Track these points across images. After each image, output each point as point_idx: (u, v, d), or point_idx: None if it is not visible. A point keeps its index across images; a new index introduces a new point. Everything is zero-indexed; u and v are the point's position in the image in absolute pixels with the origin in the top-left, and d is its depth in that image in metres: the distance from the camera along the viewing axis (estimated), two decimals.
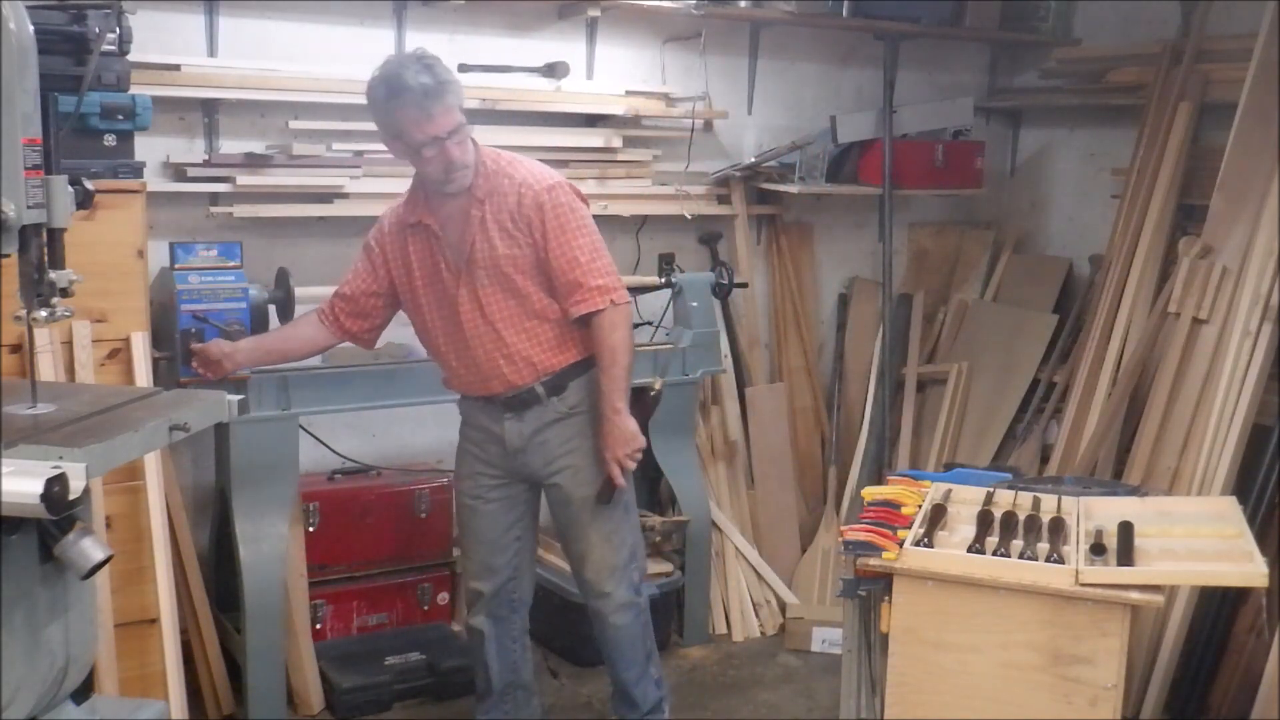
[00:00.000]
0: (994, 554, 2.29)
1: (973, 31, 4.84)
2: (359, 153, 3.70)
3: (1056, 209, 4.99)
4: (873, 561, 2.32)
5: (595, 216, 4.18)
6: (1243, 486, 3.38)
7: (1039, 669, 2.23)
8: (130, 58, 2.95)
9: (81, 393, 2.20)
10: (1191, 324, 3.60)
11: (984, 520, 2.44)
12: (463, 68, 3.87)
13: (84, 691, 2.02)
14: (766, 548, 4.30)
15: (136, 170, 3.00)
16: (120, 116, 2.93)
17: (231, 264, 3.12)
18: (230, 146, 3.57)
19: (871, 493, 2.63)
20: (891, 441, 4.55)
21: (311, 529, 3.58)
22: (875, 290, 4.77)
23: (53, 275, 1.93)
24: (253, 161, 3.53)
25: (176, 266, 3.07)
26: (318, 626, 3.62)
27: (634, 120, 4.17)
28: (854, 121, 4.52)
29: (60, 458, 1.71)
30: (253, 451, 3.20)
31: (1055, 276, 4.74)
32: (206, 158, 3.52)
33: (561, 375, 2.86)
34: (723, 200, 4.47)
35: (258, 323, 3.12)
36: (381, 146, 3.69)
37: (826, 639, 3.93)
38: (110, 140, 2.95)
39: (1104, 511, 2.49)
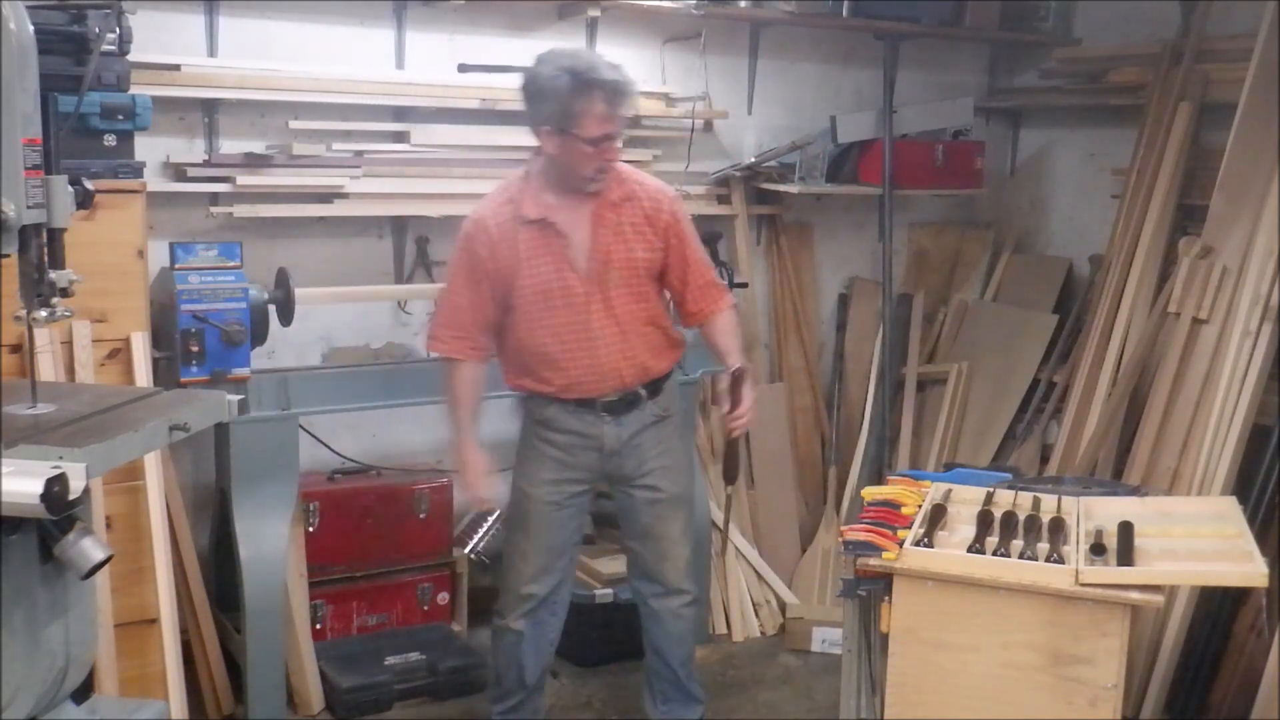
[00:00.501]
0: (994, 554, 2.29)
1: (973, 31, 4.83)
2: (359, 153, 3.70)
3: (1056, 209, 4.99)
4: (873, 561, 2.32)
5: None
6: (1243, 486, 3.38)
7: (1039, 669, 2.23)
8: (130, 58, 2.97)
9: (81, 393, 2.20)
10: (1191, 324, 3.60)
11: (984, 520, 2.44)
12: (463, 68, 3.87)
13: (84, 691, 2.02)
14: (766, 548, 4.30)
15: (136, 170, 3.00)
16: (120, 116, 2.93)
17: (231, 264, 3.12)
18: (230, 146, 3.57)
19: (871, 493, 2.63)
20: (891, 441, 4.55)
21: (311, 529, 3.58)
22: (875, 290, 4.77)
23: (53, 275, 1.93)
24: (253, 161, 3.53)
25: (176, 266, 3.06)
26: (318, 626, 3.62)
27: (634, 120, 4.17)
28: (854, 121, 4.51)
29: (60, 458, 1.71)
30: (253, 451, 3.19)
31: (1055, 276, 4.74)
32: (206, 158, 3.52)
33: (660, 380, 2.96)
34: (723, 200, 4.46)
35: (258, 323, 3.11)
36: (381, 146, 3.75)
37: (826, 639, 3.93)
38: (110, 140, 2.94)
39: (1104, 511, 2.49)
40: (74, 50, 2.71)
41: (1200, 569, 2.33)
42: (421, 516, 3.78)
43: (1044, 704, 2.24)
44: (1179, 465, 3.50)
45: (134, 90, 2.97)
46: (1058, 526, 2.41)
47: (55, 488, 1.64)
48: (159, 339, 3.07)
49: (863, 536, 2.35)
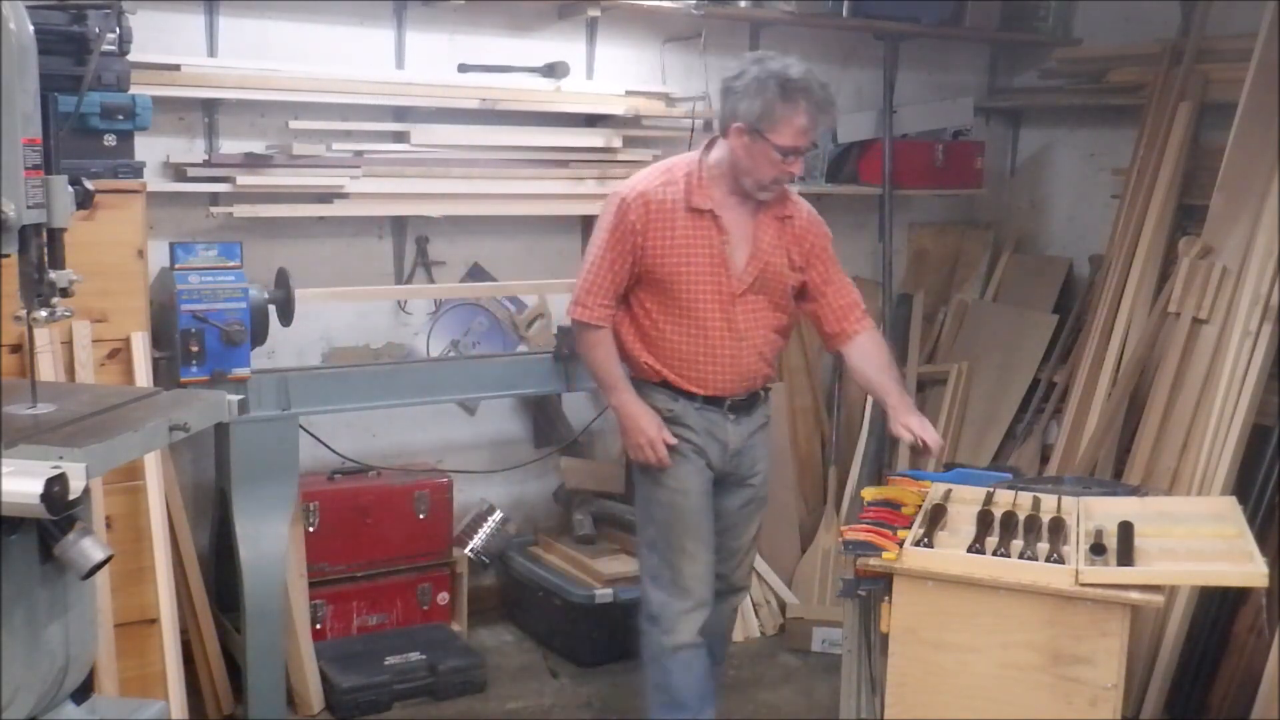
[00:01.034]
0: (994, 554, 2.29)
1: (973, 31, 4.84)
2: (359, 153, 3.70)
3: (1056, 209, 4.99)
4: (873, 561, 2.32)
5: (595, 217, 4.21)
6: (1243, 486, 3.38)
7: (1039, 669, 2.23)
8: (130, 58, 2.97)
9: (81, 393, 2.19)
10: (1191, 324, 3.60)
11: (984, 520, 2.44)
12: (463, 68, 3.88)
13: (84, 691, 2.02)
14: (766, 548, 4.29)
15: (136, 170, 3.00)
16: (120, 116, 2.93)
17: (231, 264, 3.11)
18: (230, 146, 3.57)
19: (871, 493, 2.63)
20: (892, 442, 4.54)
21: (311, 529, 3.58)
22: (875, 290, 4.77)
23: (53, 275, 1.93)
24: (253, 161, 3.53)
25: (176, 266, 3.06)
26: (318, 626, 3.63)
27: (634, 120, 4.17)
28: (854, 121, 4.51)
29: (60, 458, 1.71)
30: (253, 451, 3.19)
31: (1055, 276, 4.73)
32: (206, 158, 3.52)
33: (768, 387, 3.02)
34: None
35: (258, 323, 3.11)
36: (381, 146, 3.75)
37: (826, 639, 3.93)
38: (110, 140, 2.94)
39: (1104, 511, 2.49)
40: (74, 50, 2.71)
41: (1200, 569, 2.33)
42: (421, 516, 3.78)
43: (1044, 704, 2.24)
44: (1179, 465, 3.50)
45: (134, 90, 2.97)
46: (1058, 526, 2.41)
47: (55, 488, 1.63)
48: (159, 339, 3.07)
49: (863, 536, 2.35)
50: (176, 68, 3.38)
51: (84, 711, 2.02)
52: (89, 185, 1.99)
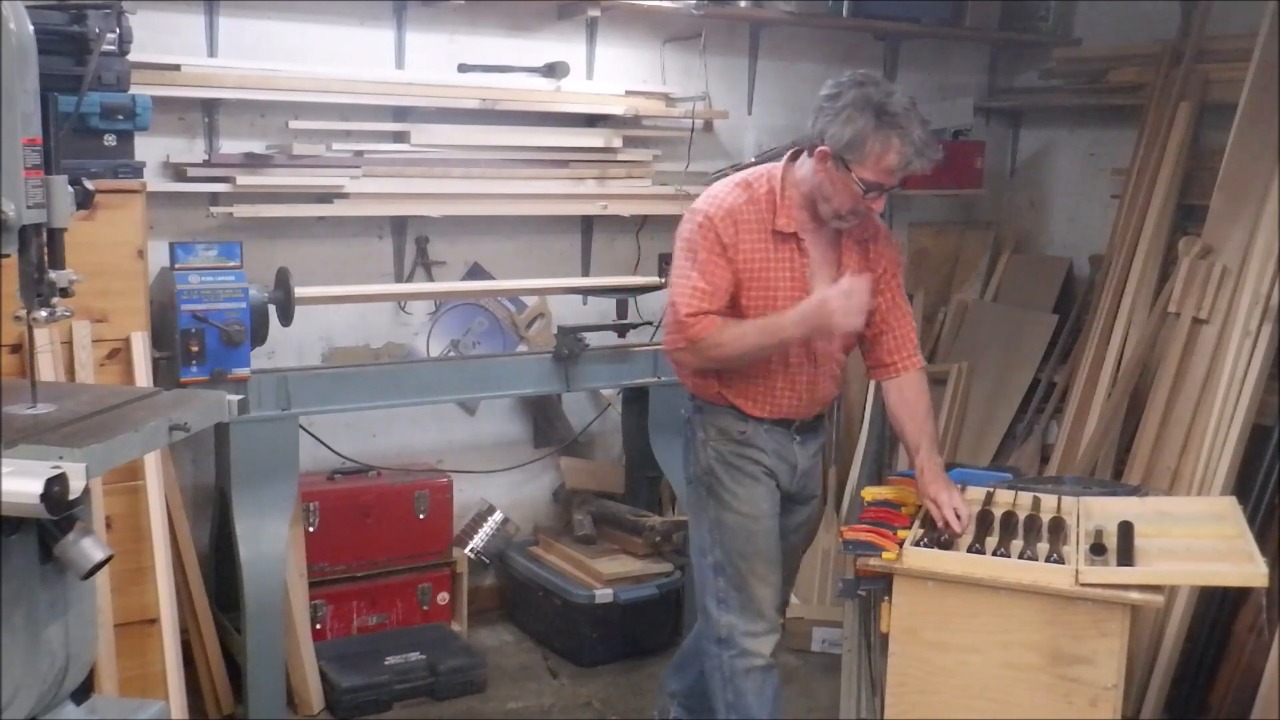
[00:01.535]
0: (994, 554, 2.29)
1: (973, 31, 4.84)
2: (359, 153, 3.71)
3: (1056, 209, 4.99)
4: (873, 561, 2.32)
5: (595, 217, 4.24)
6: (1243, 486, 3.38)
7: (1039, 669, 2.23)
8: (130, 58, 2.97)
9: (81, 393, 2.19)
10: (1191, 324, 3.60)
11: (984, 520, 2.44)
12: (463, 68, 3.87)
13: (84, 691, 2.02)
14: None
15: (136, 170, 3.00)
16: (120, 116, 2.93)
17: (231, 264, 3.12)
18: (230, 146, 3.57)
19: (871, 493, 2.63)
20: (891, 441, 4.54)
21: (311, 529, 3.58)
22: None
23: (53, 275, 1.93)
24: (253, 161, 3.53)
25: (176, 266, 3.06)
26: (318, 626, 3.63)
27: (634, 120, 4.17)
28: None
29: (60, 458, 1.71)
30: (253, 451, 3.19)
31: (1055, 276, 4.73)
32: (206, 158, 3.52)
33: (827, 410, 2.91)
34: None
35: (258, 323, 3.12)
36: (381, 146, 3.75)
37: (826, 639, 3.93)
38: (110, 140, 2.94)
39: (1104, 511, 2.49)
40: (74, 50, 2.71)
41: (1200, 569, 2.33)
42: (421, 516, 3.79)
43: (1044, 704, 2.24)
44: (1179, 465, 3.50)
45: (134, 90, 2.97)
46: (1058, 526, 2.41)
47: (55, 488, 1.63)
48: (159, 339, 3.07)
49: (863, 536, 2.35)
50: (176, 68, 3.38)
51: (84, 711, 2.02)
52: (89, 185, 1.98)
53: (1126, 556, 2.23)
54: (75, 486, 1.67)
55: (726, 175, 2.81)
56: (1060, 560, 2.25)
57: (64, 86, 2.39)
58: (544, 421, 4.28)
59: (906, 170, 2.50)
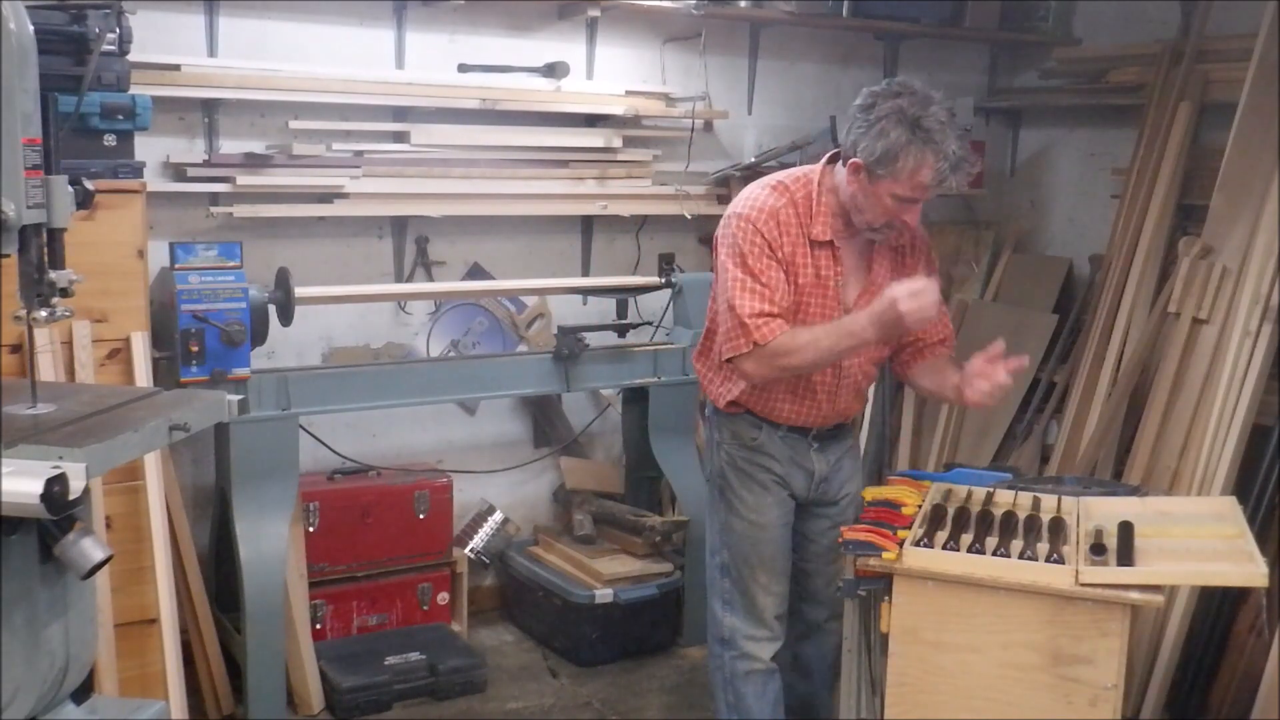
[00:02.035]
0: (994, 554, 2.29)
1: (973, 31, 4.84)
2: (359, 153, 3.71)
3: (1056, 209, 4.99)
4: (873, 561, 2.32)
5: (595, 217, 4.24)
6: (1243, 486, 3.38)
7: (1039, 669, 2.23)
8: (130, 58, 2.97)
9: (81, 393, 2.19)
10: (1191, 324, 3.60)
11: (984, 520, 2.44)
12: (463, 68, 3.87)
13: (84, 691, 2.02)
14: None
15: (136, 170, 3.00)
16: (120, 116, 2.93)
17: (231, 264, 3.12)
18: (230, 146, 3.57)
19: (871, 493, 2.63)
20: (891, 441, 4.55)
21: (311, 529, 3.58)
22: None
23: (53, 275, 1.93)
24: (253, 161, 3.53)
25: (176, 266, 3.07)
26: (318, 626, 3.63)
27: (634, 120, 4.17)
28: None
29: (60, 458, 1.71)
30: (253, 451, 3.20)
31: (1055, 276, 4.73)
32: (206, 158, 3.52)
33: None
34: (723, 200, 4.45)
35: (258, 323, 3.12)
36: (381, 146, 3.75)
37: None
38: (110, 140, 2.94)
39: (1104, 511, 2.49)
40: (74, 50, 2.71)
41: (1200, 569, 2.33)
42: (421, 516, 3.79)
43: (1044, 704, 2.24)
44: (1179, 465, 3.50)
45: (134, 90, 2.97)
46: (1058, 526, 2.41)
47: (55, 488, 1.63)
48: (159, 339, 3.07)
49: (863, 536, 2.35)
50: (176, 68, 3.38)
51: (84, 711, 2.02)
52: (89, 185, 1.99)
53: (1126, 556, 2.23)
54: (75, 486, 1.67)
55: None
56: (1060, 560, 2.24)
57: (64, 86, 2.39)
58: (544, 421, 4.28)
59: (941, 187, 2.45)
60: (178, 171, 3.49)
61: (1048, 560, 2.25)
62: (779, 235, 2.53)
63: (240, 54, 3.54)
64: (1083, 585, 2.18)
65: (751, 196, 2.60)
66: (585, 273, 4.28)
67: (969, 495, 2.61)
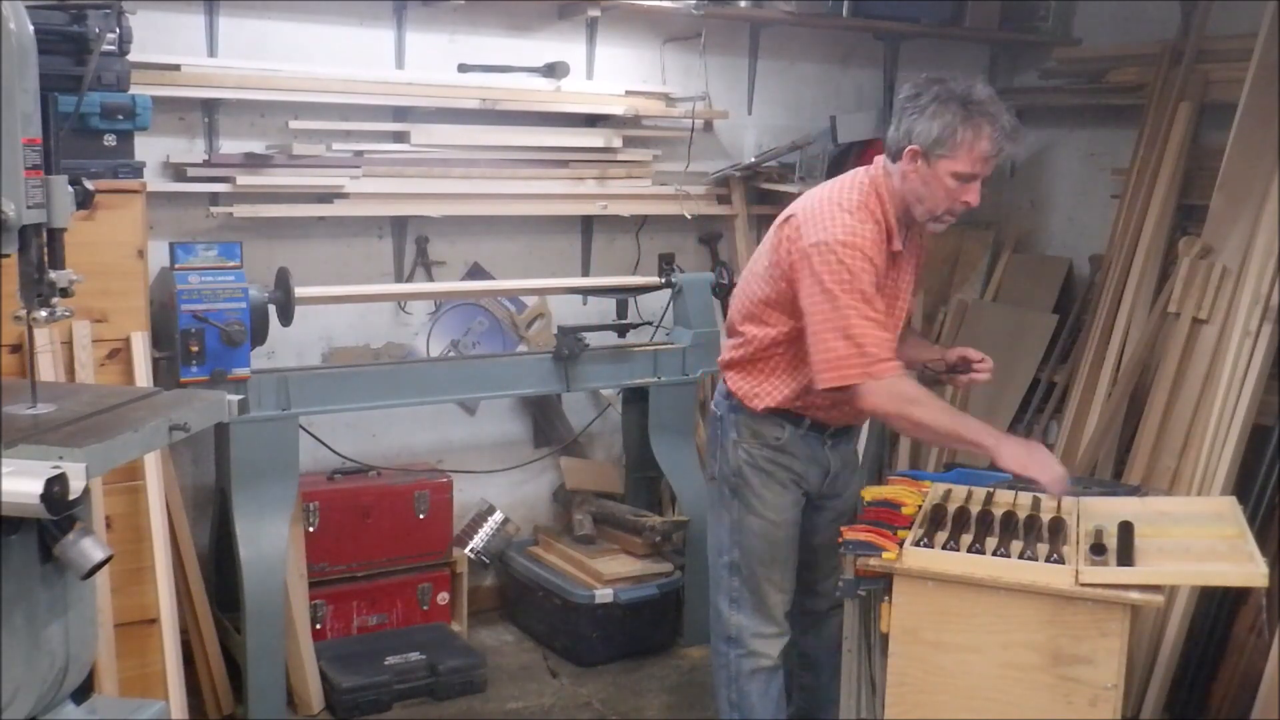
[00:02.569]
0: (994, 554, 2.29)
1: (973, 31, 4.84)
2: (359, 153, 3.71)
3: (1056, 209, 4.99)
4: (873, 561, 2.32)
5: (595, 217, 4.24)
6: (1243, 486, 3.38)
7: (1039, 669, 2.23)
8: (130, 58, 2.97)
9: (81, 393, 2.19)
10: (1191, 324, 3.60)
11: (984, 520, 2.44)
12: (463, 68, 3.88)
13: (84, 691, 2.02)
14: None
15: (136, 170, 3.00)
16: (120, 116, 2.93)
17: (231, 264, 3.12)
18: (230, 146, 3.57)
19: (871, 493, 2.63)
20: (891, 441, 4.55)
21: (311, 529, 3.58)
22: None
23: (53, 275, 1.93)
24: (253, 161, 3.53)
25: (176, 266, 3.07)
26: (318, 626, 3.62)
27: (634, 120, 4.17)
28: (854, 121, 4.51)
29: (60, 458, 1.71)
30: (253, 451, 3.20)
31: (1055, 276, 4.73)
32: (206, 158, 3.52)
33: None
34: (722, 200, 4.47)
35: (258, 323, 3.12)
36: (381, 146, 3.75)
37: None
38: (110, 140, 2.95)
39: (1104, 511, 2.49)
40: (74, 50, 2.71)
41: (1200, 569, 2.33)
42: (421, 516, 3.78)
43: (1044, 704, 2.24)
44: (1179, 465, 3.50)
45: (134, 90, 2.97)
46: (1058, 526, 2.41)
47: (55, 488, 1.63)
48: (159, 339, 3.07)
49: (863, 536, 2.35)
50: (176, 68, 3.38)
51: (84, 711, 2.02)
52: (89, 185, 1.99)
53: (1126, 556, 2.23)
54: (75, 486, 1.67)
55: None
56: (1060, 560, 2.24)
57: (64, 86, 2.39)
58: (544, 421, 4.28)
59: (1000, 157, 2.48)
60: (178, 171, 3.49)
61: (1048, 560, 2.25)
62: (871, 259, 2.51)
63: (240, 54, 3.54)
64: (1083, 585, 2.18)
65: (844, 224, 2.52)
66: (585, 273, 4.28)
67: (969, 495, 2.62)
